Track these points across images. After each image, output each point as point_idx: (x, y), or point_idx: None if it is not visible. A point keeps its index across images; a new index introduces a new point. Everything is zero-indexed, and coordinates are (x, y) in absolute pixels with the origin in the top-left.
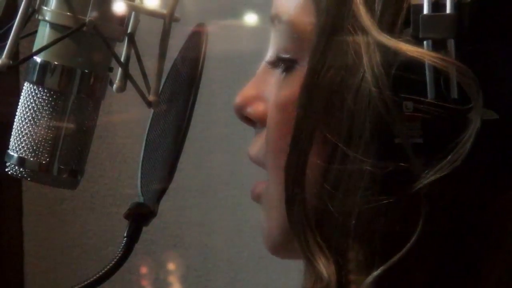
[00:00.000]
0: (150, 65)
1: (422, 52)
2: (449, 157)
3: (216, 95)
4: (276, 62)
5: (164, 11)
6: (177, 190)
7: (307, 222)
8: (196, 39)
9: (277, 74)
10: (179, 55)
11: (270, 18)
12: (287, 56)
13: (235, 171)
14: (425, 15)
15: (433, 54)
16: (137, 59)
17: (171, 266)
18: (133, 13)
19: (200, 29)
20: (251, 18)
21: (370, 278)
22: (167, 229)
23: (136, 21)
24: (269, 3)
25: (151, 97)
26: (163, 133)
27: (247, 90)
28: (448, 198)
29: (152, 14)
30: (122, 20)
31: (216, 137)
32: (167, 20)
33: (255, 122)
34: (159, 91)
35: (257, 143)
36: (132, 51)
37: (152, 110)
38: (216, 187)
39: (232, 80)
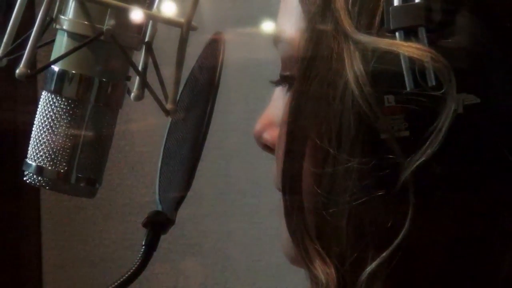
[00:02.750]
0: (168, 73)
1: (394, 43)
2: (427, 144)
3: (233, 103)
4: (279, 81)
5: (182, 20)
6: (195, 198)
7: (305, 230)
8: (213, 47)
9: (284, 95)
10: (197, 63)
11: (273, 40)
12: (287, 73)
13: (253, 179)
14: (395, 6)
15: (404, 43)
16: (155, 67)
17: (189, 274)
18: (150, 22)
19: (217, 37)
20: (268, 27)
21: (364, 275)
22: (185, 237)
23: (154, 29)
24: None
25: (168, 106)
26: (181, 142)
27: (263, 117)
28: (437, 188)
29: (169, 22)
30: (140, 29)
31: (234, 145)
32: (185, 29)
33: (273, 149)
34: (177, 100)
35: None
36: (150, 59)
37: (169, 119)
38: (234, 195)
39: (250, 88)
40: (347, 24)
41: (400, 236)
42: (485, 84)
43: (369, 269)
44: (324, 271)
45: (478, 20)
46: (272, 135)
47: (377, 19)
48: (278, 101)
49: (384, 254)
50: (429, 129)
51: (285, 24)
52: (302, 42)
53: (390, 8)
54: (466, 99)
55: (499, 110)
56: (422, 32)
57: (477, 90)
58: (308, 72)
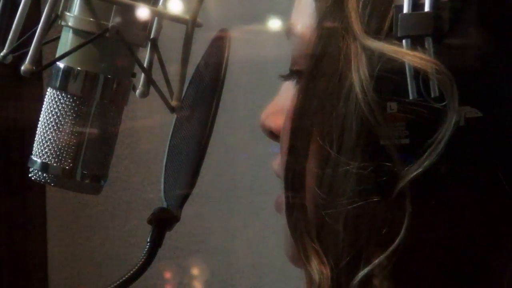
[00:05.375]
0: (173, 70)
1: (400, 51)
2: (425, 154)
3: (239, 100)
4: (289, 75)
5: (187, 17)
6: (201, 195)
7: (305, 228)
8: (219, 45)
9: (293, 88)
10: (202, 60)
11: (285, 33)
12: (296, 68)
13: (258, 176)
14: (403, 14)
15: (410, 52)
16: (160, 64)
17: (194, 271)
18: (156, 19)
19: (223, 34)
20: (274, 24)
21: (356, 279)
22: (191, 234)
23: (159, 26)
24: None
25: (174, 102)
26: (186, 139)
27: (270, 106)
28: (433, 197)
29: (175, 19)
30: (145, 26)
31: (239, 142)
32: (190, 26)
33: (278, 137)
34: (182, 96)
35: (279, 157)
36: (155, 56)
37: (175, 116)
38: (239, 192)
39: (255, 86)
40: (356, 26)
41: (395, 243)
42: (488, 99)
43: (361, 273)
44: (319, 270)
45: (486, 34)
46: (277, 122)
47: (387, 24)
48: (286, 92)
49: (376, 261)
50: (429, 140)
51: (297, 18)
52: (312, 39)
53: (399, 15)
54: (468, 112)
55: (501, 126)
56: (428, 42)
57: (480, 104)
58: (315, 70)
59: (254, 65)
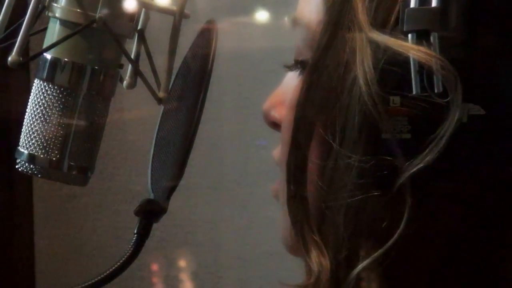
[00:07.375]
0: (160, 62)
1: (405, 45)
2: (426, 151)
3: (226, 92)
4: (293, 66)
5: (174, 8)
6: (188, 187)
7: (306, 219)
8: (206, 36)
9: (296, 78)
10: (189, 52)
11: (291, 22)
12: (301, 58)
13: (245, 168)
14: (410, 8)
15: (415, 47)
16: (147, 56)
17: (182, 263)
18: (143, 10)
19: (210, 26)
20: (261, 16)
21: (354, 272)
22: (178, 226)
23: (146, 17)
24: (280, 0)
25: (161, 94)
26: (173, 130)
27: (273, 95)
28: (433, 192)
29: (162, 10)
30: (132, 17)
31: (227, 134)
32: (177, 17)
33: (280, 126)
34: (169, 88)
35: (280, 146)
36: (142, 47)
37: (162, 107)
38: (226, 184)
39: (243, 78)
40: (362, 19)
41: (394, 237)
42: (492, 97)
43: (360, 266)
44: (318, 262)
45: (493, 32)
46: (280, 113)
47: (393, 17)
48: (290, 82)
49: (376, 254)
50: (431, 135)
51: (304, 8)
52: (318, 30)
53: (406, 10)
54: (471, 109)
55: (503, 124)
56: (434, 37)
57: (484, 102)
58: (320, 61)
59: (241, 56)
